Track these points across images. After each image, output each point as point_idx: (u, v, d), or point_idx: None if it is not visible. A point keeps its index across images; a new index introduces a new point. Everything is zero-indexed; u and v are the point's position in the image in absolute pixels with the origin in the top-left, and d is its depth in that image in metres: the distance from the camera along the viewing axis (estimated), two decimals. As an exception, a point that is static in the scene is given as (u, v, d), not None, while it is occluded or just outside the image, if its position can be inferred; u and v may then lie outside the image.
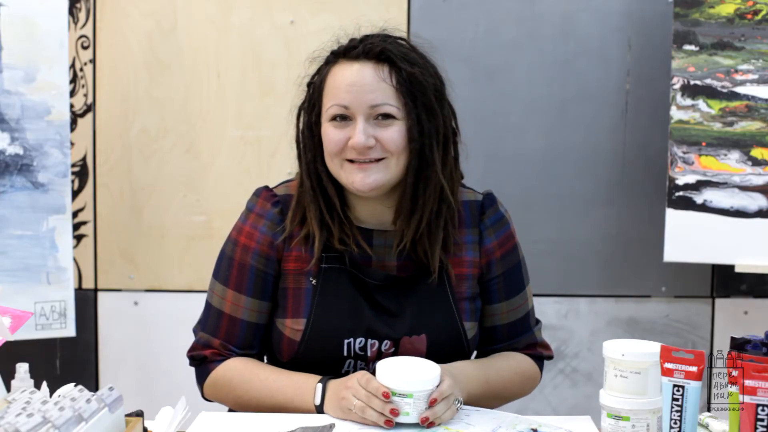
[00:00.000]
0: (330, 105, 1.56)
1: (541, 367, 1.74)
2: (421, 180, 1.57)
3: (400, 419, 1.41)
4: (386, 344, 1.59)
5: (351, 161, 1.55)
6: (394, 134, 1.55)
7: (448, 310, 1.62)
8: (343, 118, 1.55)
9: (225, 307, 1.63)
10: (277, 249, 1.62)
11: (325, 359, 1.59)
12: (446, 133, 1.60)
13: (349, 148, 1.54)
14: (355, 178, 1.55)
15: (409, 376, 1.42)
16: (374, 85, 1.54)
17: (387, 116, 1.55)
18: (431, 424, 1.42)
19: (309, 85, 1.63)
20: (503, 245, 1.68)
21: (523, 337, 1.71)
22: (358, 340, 1.59)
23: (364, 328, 1.58)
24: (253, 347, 1.65)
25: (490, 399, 1.61)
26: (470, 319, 1.64)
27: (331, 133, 1.56)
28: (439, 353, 1.59)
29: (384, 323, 1.59)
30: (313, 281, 1.61)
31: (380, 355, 1.59)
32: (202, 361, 1.64)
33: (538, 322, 1.76)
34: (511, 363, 1.68)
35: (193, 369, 1.68)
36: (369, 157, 1.54)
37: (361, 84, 1.54)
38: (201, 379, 1.65)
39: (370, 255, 1.61)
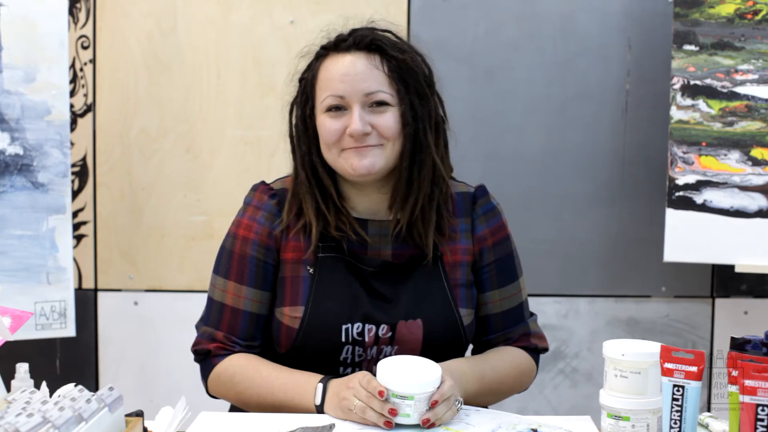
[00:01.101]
0: (325, 96, 1.60)
1: (536, 361, 1.75)
2: (416, 163, 1.62)
3: (401, 420, 1.41)
4: (383, 329, 1.61)
5: (348, 149, 1.59)
6: (389, 120, 1.59)
7: (443, 296, 1.64)
8: (338, 108, 1.60)
9: (227, 300, 1.65)
10: (275, 239, 1.65)
11: (324, 346, 1.61)
12: (437, 118, 1.65)
13: (346, 136, 1.59)
14: (353, 162, 1.59)
15: (409, 377, 1.42)
16: (367, 74, 1.59)
17: (381, 103, 1.60)
18: (432, 425, 1.42)
19: (301, 80, 1.67)
20: (495, 234, 1.71)
21: (517, 327, 1.72)
22: (355, 326, 1.60)
23: (362, 313, 1.61)
24: (255, 338, 1.66)
25: (486, 395, 1.63)
26: (466, 306, 1.67)
27: (327, 124, 1.60)
28: (436, 339, 1.62)
29: (380, 309, 1.62)
30: (311, 270, 1.63)
31: (378, 340, 1.61)
32: (206, 355, 1.66)
33: (532, 314, 1.77)
34: (506, 358, 1.69)
35: (194, 368, 1.69)
36: (366, 143, 1.59)
37: (354, 73, 1.59)
38: (205, 373, 1.66)
39: (366, 242, 1.64)
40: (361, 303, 1.61)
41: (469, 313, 1.67)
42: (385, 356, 1.62)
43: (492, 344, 1.72)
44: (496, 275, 1.70)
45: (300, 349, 1.62)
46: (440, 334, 1.63)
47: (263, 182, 1.72)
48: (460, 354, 1.69)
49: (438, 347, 1.60)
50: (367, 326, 1.61)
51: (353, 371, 1.62)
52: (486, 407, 1.67)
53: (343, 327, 1.60)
